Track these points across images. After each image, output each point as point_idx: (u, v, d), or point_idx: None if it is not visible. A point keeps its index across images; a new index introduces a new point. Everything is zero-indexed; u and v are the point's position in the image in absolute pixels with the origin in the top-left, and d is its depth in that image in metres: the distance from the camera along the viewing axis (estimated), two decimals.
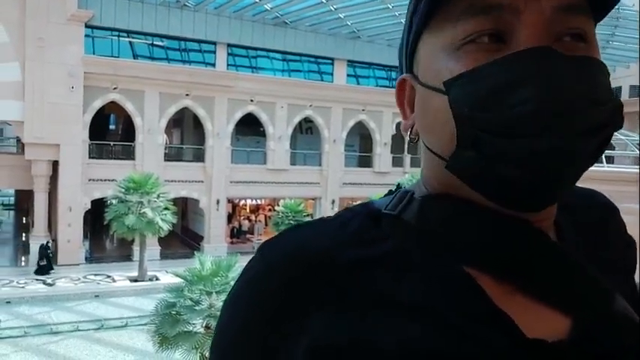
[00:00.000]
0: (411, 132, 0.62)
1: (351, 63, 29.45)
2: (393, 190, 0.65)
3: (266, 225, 29.53)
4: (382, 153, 29.91)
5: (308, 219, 23.22)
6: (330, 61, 28.93)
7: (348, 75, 29.52)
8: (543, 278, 0.55)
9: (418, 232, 0.58)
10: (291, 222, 22.51)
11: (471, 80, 0.51)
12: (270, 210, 29.47)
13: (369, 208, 0.62)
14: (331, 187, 28.47)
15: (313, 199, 28.81)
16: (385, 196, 0.65)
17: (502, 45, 0.52)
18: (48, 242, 22.00)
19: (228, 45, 26.51)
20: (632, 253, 0.71)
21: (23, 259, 23.72)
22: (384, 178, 28.39)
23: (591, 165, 0.54)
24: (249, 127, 28.21)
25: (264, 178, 26.98)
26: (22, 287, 19.67)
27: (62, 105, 22.51)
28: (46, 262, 21.72)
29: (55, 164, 23.32)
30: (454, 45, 0.53)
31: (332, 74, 29.10)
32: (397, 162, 30.28)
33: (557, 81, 0.48)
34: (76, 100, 22.94)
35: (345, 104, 28.60)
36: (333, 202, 28.47)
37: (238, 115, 26.54)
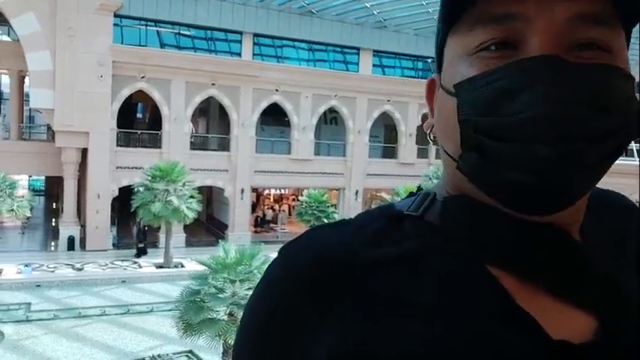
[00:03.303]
0: (431, 131, 0.63)
1: (377, 53, 29.22)
2: (414, 192, 0.65)
3: (290, 215, 29.67)
4: (407, 144, 29.69)
5: (331, 209, 23.29)
6: (355, 51, 28.75)
7: (374, 65, 29.29)
8: (567, 279, 0.55)
9: (441, 232, 0.58)
10: (315, 212, 22.59)
11: (477, 85, 0.53)
12: (294, 200, 29.58)
13: (390, 210, 0.63)
14: (355, 177, 28.41)
15: (337, 190, 28.79)
16: (406, 198, 0.65)
17: (514, 52, 0.52)
18: (145, 227, 22.66)
19: (254, 35, 26.56)
20: None
21: (53, 243, 24.33)
22: (409, 169, 28.20)
23: (605, 170, 0.53)
24: (274, 117, 28.29)
25: (288, 168, 27.06)
26: (52, 272, 20.18)
27: (91, 93, 22.90)
28: (143, 246, 22.79)
29: (85, 151, 23.77)
30: (468, 51, 0.55)
31: (357, 64, 28.92)
32: (422, 153, 30.02)
33: (560, 89, 0.49)
34: (105, 89, 23.30)
35: (370, 94, 28.43)
36: (357, 192, 28.42)
37: (263, 104, 26.62)
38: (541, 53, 0.50)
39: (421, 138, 29.69)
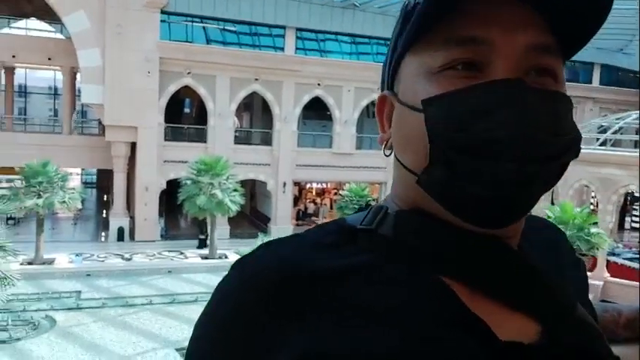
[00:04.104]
0: (386, 145, 0.66)
1: None
2: (364, 207, 0.67)
3: (331, 208, 29.74)
4: None
5: (373, 203, 23.15)
6: None
7: None
8: (513, 287, 0.59)
9: (395, 244, 0.60)
10: (356, 206, 22.51)
11: (447, 102, 0.55)
12: (335, 194, 29.63)
13: (342, 224, 0.64)
14: None
15: (378, 184, 28.66)
16: (356, 213, 0.67)
17: (478, 73, 0.56)
18: (204, 220, 23.27)
19: (297, 29, 26.66)
20: (582, 273, 0.76)
21: (103, 234, 25.26)
22: None
23: (549, 188, 0.58)
24: (316, 111, 28.36)
25: (330, 162, 27.11)
26: (102, 261, 20.98)
27: (139, 89, 23.59)
28: (204, 237, 23.52)
29: (134, 146, 24.53)
30: (432, 69, 0.57)
31: None
32: None
33: (526, 111, 0.53)
34: (152, 85, 23.95)
35: None
36: None
37: (305, 99, 26.74)
38: (506, 76, 0.54)
39: None
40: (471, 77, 0.56)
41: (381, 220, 0.62)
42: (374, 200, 24.05)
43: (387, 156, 0.66)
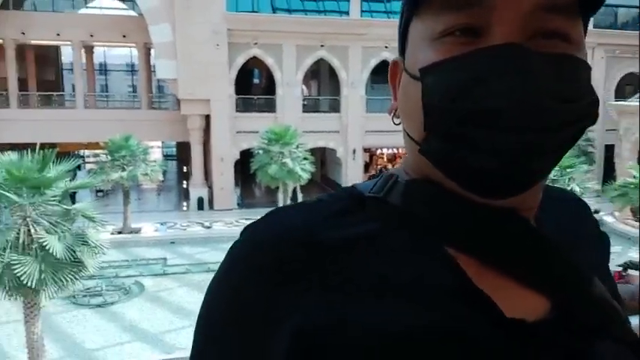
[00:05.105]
0: (394, 114, 0.63)
1: None
2: (376, 175, 0.68)
3: None
4: None
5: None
6: None
7: None
8: (523, 261, 0.57)
9: (403, 213, 0.59)
10: None
11: (442, 70, 0.53)
12: None
13: (351, 191, 0.63)
14: None
15: None
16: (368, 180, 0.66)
17: (478, 39, 0.53)
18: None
19: None
20: (605, 248, 0.73)
21: (184, 204, 26.48)
22: None
23: (561, 156, 0.55)
24: (384, 75, 27.68)
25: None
26: (184, 229, 22.09)
27: (209, 62, 24.14)
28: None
29: (208, 118, 25.31)
30: (433, 35, 0.55)
31: None
32: None
33: (526, 78, 0.49)
34: (222, 57, 24.44)
35: None
36: None
37: (372, 62, 26.32)
38: (506, 41, 0.51)
39: None
40: (470, 43, 0.53)
41: (391, 188, 0.61)
42: None
43: (396, 124, 0.63)
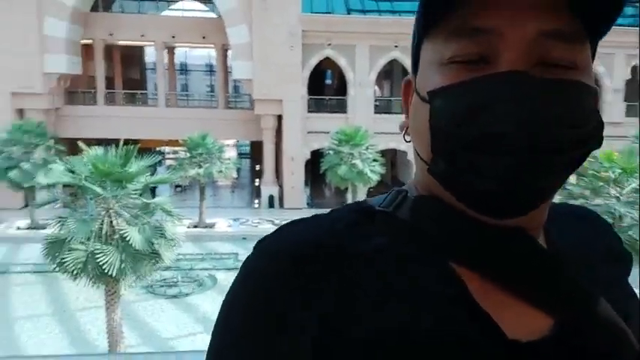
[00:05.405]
0: (406, 132, 0.65)
1: None
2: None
3: None
4: (613, 101, 26.35)
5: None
6: None
7: None
8: (528, 279, 0.58)
9: (411, 229, 0.60)
10: None
11: (449, 95, 0.55)
12: None
13: (362, 205, 0.65)
14: None
15: None
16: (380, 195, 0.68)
17: (486, 65, 0.54)
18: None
19: None
20: (626, 266, 0.72)
21: (256, 201, 27.13)
22: (616, 129, 25.04)
23: (567, 177, 0.56)
24: None
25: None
26: (255, 226, 22.65)
27: (284, 63, 24.63)
28: None
29: (280, 118, 25.79)
30: (442, 60, 0.56)
31: None
32: (632, 111, 26.41)
33: (527, 104, 0.51)
34: (296, 58, 24.84)
35: None
36: None
37: None
38: (511, 69, 0.52)
39: (630, 93, 26.09)
40: (477, 69, 0.54)
41: (400, 203, 0.62)
42: None
43: (407, 142, 0.64)
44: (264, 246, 0.59)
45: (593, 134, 0.55)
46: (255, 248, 0.60)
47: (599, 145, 0.57)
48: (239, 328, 0.57)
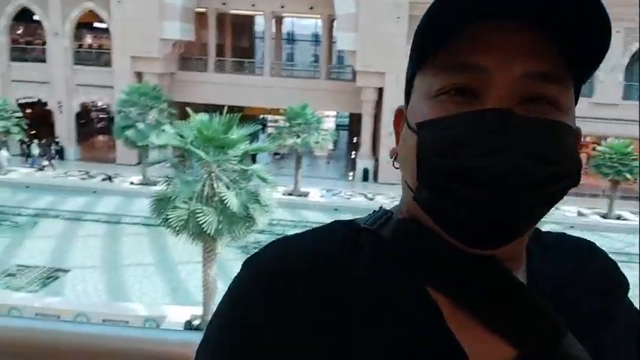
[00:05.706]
0: (395, 159, 0.67)
1: None
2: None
3: (586, 164, 26.89)
4: (608, 80, 23.61)
5: (637, 163, 20.28)
6: None
7: None
8: (495, 309, 0.59)
9: (392, 250, 0.63)
10: (615, 165, 20.06)
11: (435, 127, 0.57)
12: (593, 149, 26.64)
13: (350, 222, 0.67)
14: None
15: None
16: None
17: (472, 101, 0.57)
18: None
19: None
20: (620, 294, 0.71)
21: (351, 174, 27.32)
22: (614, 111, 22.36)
23: (543, 214, 0.58)
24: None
25: (589, 113, 24.21)
26: (348, 198, 22.92)
27: (388, 35, 24.23)
28: None
29: (381, 91, 25.59)
30: (431, 93, 0.59)
31: None
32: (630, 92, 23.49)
33: (507, 140, 0.53)
34: (401, 30, 24.28)
35: None
36: None
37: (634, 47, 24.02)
38: (495, 106, 0.55)
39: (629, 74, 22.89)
40: (464, 104, 0.56)
41: (384, 223, 0.65)
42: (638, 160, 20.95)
43: (396, 169, 0.67)
44: (251, 267, 0.62)
45: (569, 172, 0.57)
46: (242, 267, 0.63)
47: (575, 183, 0.58)
48: (215, 336, 0.62)
